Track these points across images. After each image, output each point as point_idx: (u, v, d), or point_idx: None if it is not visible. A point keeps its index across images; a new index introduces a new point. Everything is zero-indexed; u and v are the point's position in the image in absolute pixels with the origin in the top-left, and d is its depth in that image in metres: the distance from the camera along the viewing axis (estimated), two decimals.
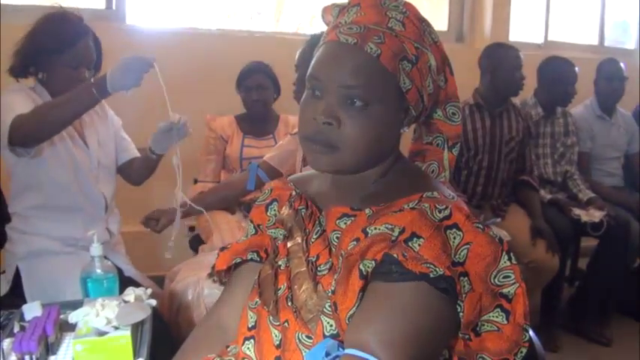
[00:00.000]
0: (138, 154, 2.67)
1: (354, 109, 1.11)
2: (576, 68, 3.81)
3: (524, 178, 3.66)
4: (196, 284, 2.48)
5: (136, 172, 2.64)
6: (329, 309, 1.08)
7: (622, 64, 4.10)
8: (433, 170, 1.29)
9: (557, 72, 3.82)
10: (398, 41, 1.12)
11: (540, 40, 5.25)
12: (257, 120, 3.41)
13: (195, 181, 3.41)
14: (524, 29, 5.16)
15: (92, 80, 2.28)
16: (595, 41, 5.60)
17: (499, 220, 3.46)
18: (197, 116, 3.38)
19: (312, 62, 1.17)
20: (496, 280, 1.04)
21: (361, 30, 1.12)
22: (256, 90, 3.32)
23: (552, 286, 3.59)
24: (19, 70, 2.32)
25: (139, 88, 2.10)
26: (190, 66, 3.71)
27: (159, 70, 2.11)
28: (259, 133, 3.41)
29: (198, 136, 3.33)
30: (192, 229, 3.38)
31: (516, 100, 3.71)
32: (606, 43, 5.63)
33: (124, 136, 2.67)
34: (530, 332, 1.09)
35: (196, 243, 3.20)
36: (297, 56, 2.63)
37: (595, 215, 3.62)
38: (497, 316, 1.04)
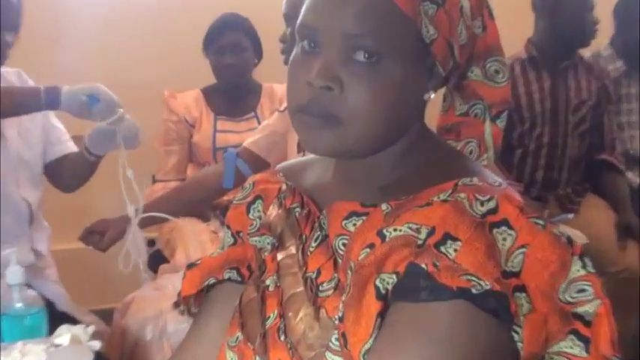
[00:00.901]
0: (74, 149, 2.67)
1: (362, 66, 1.09)
2: None
3: (603, 157, 3.66)
4: (157, 319, 2.49)
5: (69, 174, 2.63)
6: (336, 343, 1.07)
7: None
8: (472, 151, 1.28)
9: None
10: None
11: None
12: (232, 94, 3.40)
13: (154, 181, 3.39)
14: None
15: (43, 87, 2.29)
16: None
17: (571, 216, 3.44)
18: (152, 93, 3.39)
19: (304, 9, 1.15)
20: (567, 296, 1.02)
21: None
22: (231, 52, 3.29)
23: None
24: None
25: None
26: (141, 30, 3.71)
27: None
28: (236, 111, 3.40)
29: (155, 120, 3.33)
30: (151, 243, 3.38)
31: (586, 53, 3.69)
32: None
33: (55, 124, 2.67)
34: None
35: (157, 262, 3.20)
36: (284, 3, 2.61)
37: None
38: (571, 347, 1.02)
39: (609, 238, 3.39)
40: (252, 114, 3.41)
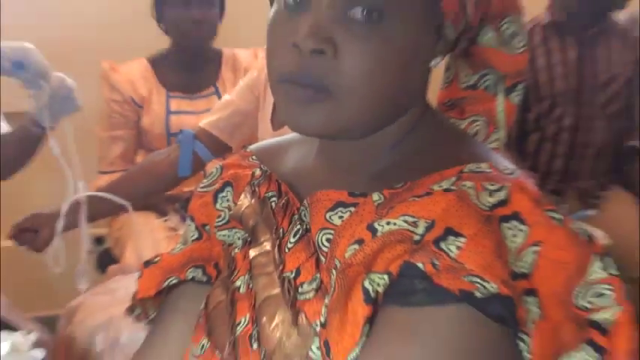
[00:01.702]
0: (7, 129, 2.67)
1: (360, 26, 1.06)
2: None
3: (634, 143, 3.67)
4: (108, 327, 2.49)
5: (5, 157, 2.63)
6: (317, 352, 1.08)
7: None
8: (478, 131, 1.27)
9: None
10: None
11: None
12: (188, 64, 3.35)
13: (99, 172, 3.36)
14: None
15: None
16: None
17: (593, 212, 3.46)
18: (91, 67, 3.36)
19: None
20: (583, 301, 1.03)
21: None
22: (197, 5, 3.17)
23: None
24: None
25: None
26: None
27: None
28: (193, 86, 3.37)
29: (96, 99, 3.30)
30: (100, 240, 3.38)
31: (621, 16, 3.68)
32: None
33: None
34: None
35: (106, 262, 3.20)
36: None
37: None
38: (585, 358, 1.02)
39: (636, 239, 3.36)
40: (212, 89, 3.38)
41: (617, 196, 3.63)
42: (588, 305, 1.03)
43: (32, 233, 2.57)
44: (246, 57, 3.28)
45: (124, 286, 2.76)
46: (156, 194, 2.98)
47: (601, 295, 1.03)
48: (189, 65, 3.34)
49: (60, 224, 2.53)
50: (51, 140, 2.39)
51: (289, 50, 1.07)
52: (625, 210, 3.54)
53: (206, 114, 3.12)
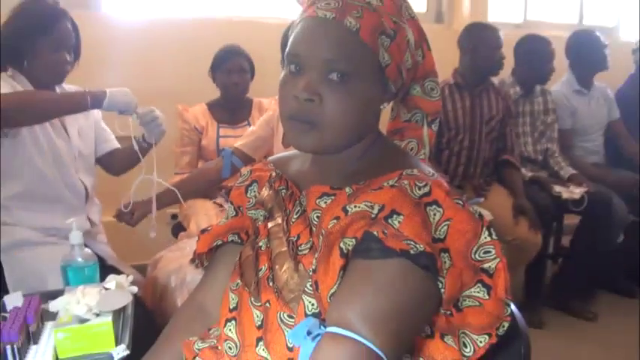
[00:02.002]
0: (118, 146, 2.67)
1: (335, 83, 1.09)
2: (553, 46, 3.81)
3: (505, 157, 3.66)
4: (178, 271, 2.48)
5: (119, 162, 2.64)
6: (310, 288, 1.08)
7: (597, 34, 4.09)
8: (412, 148, 1.28)
9: (533, 50, 3.82)
10: (376, 15, 1.11)
11: (520, 20, 5.24)
12: (231, 107, 3.36)
13: (175, 174, 3.33)
14: (502, 9, 5.14)
15: (88, 90, 2.27)
16: (575, 20, 5.60)
17: (482, 199, 3.47)
18: (173, 106, 3.37)
19: (290, 40, 1.15)
20: (477, 256, 1.03)
21: (339, 5, 1.11)
22: (237, 73, 3.25)
23: (536, 264, 3.62)
24: None
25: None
26: (164, 54, 3.69)
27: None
28: (234, 120, 3.36)
29: (174, 127, 3.31)
30: (174, 216, 3.37)
31: (495, 80, 3.70)
32: (585, 22, 5.62)
33: (104, 127, 2.66)
34: (513, 307, 1.08)
35: (178, 230, 3.19)
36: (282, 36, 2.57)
37: (575, 192, 3.64)
38: (478, 292, 1.03)
39: (507, 216, 3.41)
40: (246, 122, 3.35)
41: (496, 189, 3.63)
42: (480, 258, 1.04)
43: (129, 214, 2.56)
44: (267, 102, 3.30)
45: (189, 245, 2.75)
46: (209, 187, 2.96)
47: (487, 252, 1.04)
48: (231, 108, 3.35)
49: (154, 207, 2.54)
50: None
51: (292, 99, 1.11)
52: (500, 198, 3.55)
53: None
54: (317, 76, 1.10)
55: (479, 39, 3.48)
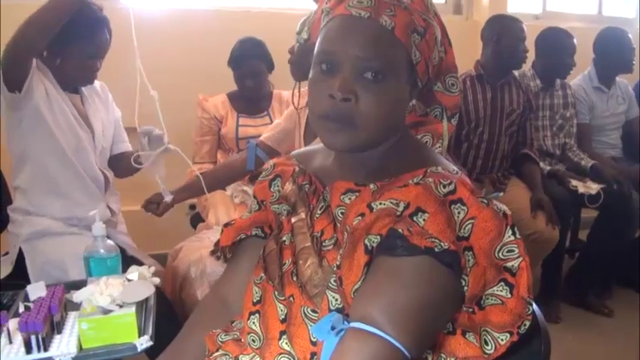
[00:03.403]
0: (130, 149, 2.69)
1: (370, 82, 1.09)
2: (574, 39, 3.79)
3: (524, 151, 3.65)
4: (199, 262, 2.50)
5: (124, 167, 2.63)
6: (334, 284, 1.09)
7: (629, 35, 4.06)
8: (427, 142, 1.29)
9: (555, 43, 3.80)
10: (408, 13, 1.12)
11: (538, 11, 5.21)
12: (250, 99, 3.36)
13: (193, 163, 3.32)
14: (522, 0, 5.12)
15: None
16: (594, 10, 5.56)
17: (501, 194, 3.45)
18: (192, 96, 3.38)
19: (321, 39, 1.15)
20: (500, 255, 1.04)
21: (373, 3, 1.11)
22: (251, 77, 3.25)
23: (553, 258, 3.59)
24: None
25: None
26: (184, 45, 3.70)
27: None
28: (253, 111, 3.36)
29: (193, 117, 3.33)
30: (192, 207, 3.39)
31: (515, 73, 3.68)
32: (605, 12, 5.58)
33: (122, 128, 2.69)
34: (534, 305, 1.09)
35: (197, 221, 3.21)
36: (298, 24, 2.54)
37: (592, 187, 3.62)
38: (501, 290, 1.04)
39: (525, 210, 3.39)
40: (265, 113, 3.36)
41: (515, 183, 3.62)
42: (503, 257, 1.04)
43: (155, 205, 2.58)
44: (287, 95, 3.27)
45: (208, 236, 2.78)
46: (233, 180, 2.97)
47: (511, 250, 1.05)
48: (250, 100, 3.35)
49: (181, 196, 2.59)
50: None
51: (326, 98, 1.10)
52: (519, 192, 3.53)
53: (261, 127, 3.20)
54: (352, 74, 1.09)
55: (502, 30, 3.45)
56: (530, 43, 3.73)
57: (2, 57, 2.14)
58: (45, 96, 2.28)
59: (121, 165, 2.65)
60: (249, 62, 3.24)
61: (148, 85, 2.16)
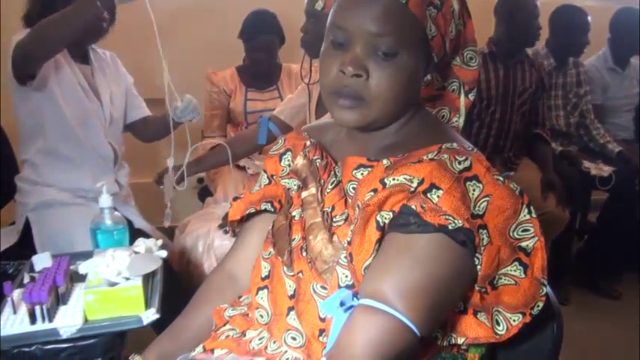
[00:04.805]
0: (149, 113, 2.69)
1: (383, 59, 1.06)
2: (589, 17, 3.74)
3: (536, 131, 3.62)
4: (207, 236, 2.50)
5: (152, 130, 2.67)
6: (344, 260, 1.07)
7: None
8: (444, 116, 1.27)
9: (569, 21, 3.76)
10: None
11: None
12: (259, 73, 3.33)
13: (203, 137, 3.34)
14: None
15: None
16: None
17: (512, 173, 3.43)
18: (203, 70, 3.36)
19: (334, 10, 1.12)
20: (515, 234, 1.03)
21: None
22: (264, 51, 3.22)
23: (563, 240, 3.58)
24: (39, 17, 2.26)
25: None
26: (195, 19, 3.67)
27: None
28: (262, 85, 3.34)
29: (202, 91, 3.31)
30: (200, 180, 3.38)
31: (528, 51, 3.62)
32: None
33: (135, 94, 2.68)
34: (547, 287, 1.07)
35: (205, 195, 3.21)
36: (306, 2, 2.52)
37: (604, 169, 3.61)
38: (514, 270, 1.03)
39: (536, 191, 3.36)
40: (274, 87, 3.33)
41: (526, 163, 3.60)
42: (518, 236, 1.04)
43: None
44: (296, 68, 3.24)
45: (216, 211, 2.77)
46: (246, 155, 2.94)
47: (526, 230, 1.04)
48: (259, 74, 3.33)
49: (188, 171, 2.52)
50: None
51: (337, 74, 1.09)
52: (530, 172, 3.50)
53: (269, 101, 3.22)
54: (364, 50, 1.07)
55: (516, 7, 3.37)
56: (544, 21, 3.69)
57: (14, 55, 2.13)
58: (54, 69, 2.27)
59: (146, 129, 2.68)
60: (262, 37, 3.20)
61: (165, 68, 2.14)
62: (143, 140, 2.71)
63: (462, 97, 1.27)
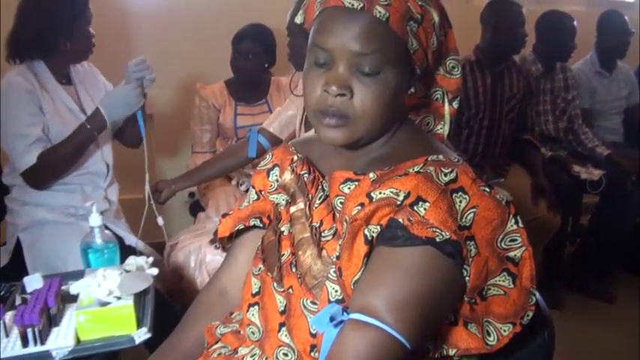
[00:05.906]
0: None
1: (366, 77, 1.06)
2: (575, 22, 3.75)
3: (525, 137, 3.63)
4: (198, 251, 2.50)
5: (130, 133, 2.62)
6: (334, 274, 1.07)
7: (625, 17, 4.04)
8: (428, 123, 1.27)
9: (555, 26, 3.77)
10: (403, 1, 1.08)
11: None
12: (247, 86, 3.31)
13: (193, 152, 3.34)
14: None
15: (86, 121, 2.32)
16: None
17: (502, 180, 3.44)
18: (191, 84, 3.36)
19: (314, 30, 1.11)
20: (503, 244, 1.03)
21: None
22: (243, 58, 3.18)
23: (554, 244, 3.60)
24: (29, 48, 2.31)
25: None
26: (183, 31, 3.67)
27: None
28: (251, 99, 3.31)
29: (192, 105, 3.30)
30: (192, 194, 3.37)
31: (515, 57, 3.64)
32: None
33: None
34: (537, 295, 1.08)
35: (196, 209, 3.20)
36: (287, 18, 2.53)
37: (594, 173, 3.63)
38: (503, 280, 1.04)
39: (526, 196, 3.38)
40: (264, 100, 3.31)
41: (516, 169, 3.60)
42: (506, 247, 1.04)
43: (158, 193, 2.61)
44: (285, 82, 3.24)
45: (208, 226, 2.77)
46: (236, 168, 2.94)
47: (514, 240, 1.04)
48: (247, 87, 3.30)
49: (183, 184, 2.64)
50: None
51: (321, 93, 1.09)
52: (520, 178, 3.52)
53: (259, 115, 3.19)
54: (347, 69, 1.07)
55: (501, 15, 3.39)
56: (531, 28, 3.71)
57: (29, 181, 2.30)
58: (43, 101, 2.29)
59: (127, 134, 2.66)
60: (246, 43, 3.17)
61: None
62: (132, 146, 2.68)
63: (447, 105, 1.27)
